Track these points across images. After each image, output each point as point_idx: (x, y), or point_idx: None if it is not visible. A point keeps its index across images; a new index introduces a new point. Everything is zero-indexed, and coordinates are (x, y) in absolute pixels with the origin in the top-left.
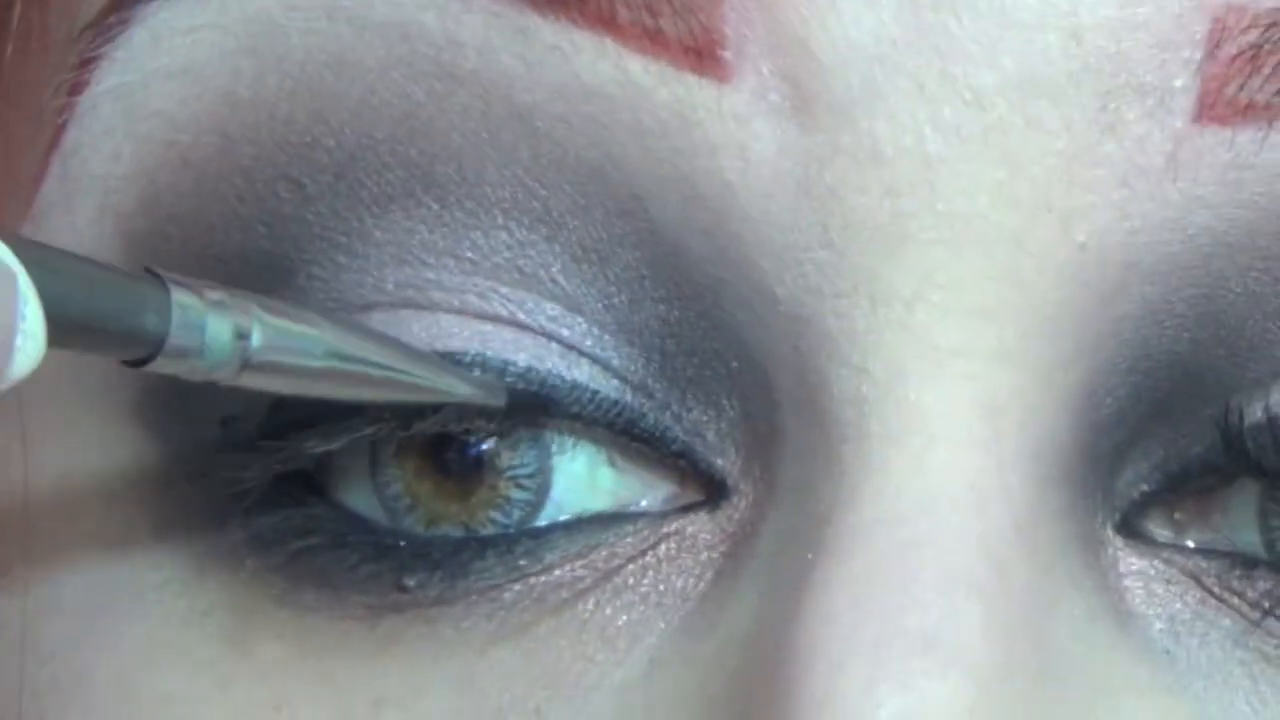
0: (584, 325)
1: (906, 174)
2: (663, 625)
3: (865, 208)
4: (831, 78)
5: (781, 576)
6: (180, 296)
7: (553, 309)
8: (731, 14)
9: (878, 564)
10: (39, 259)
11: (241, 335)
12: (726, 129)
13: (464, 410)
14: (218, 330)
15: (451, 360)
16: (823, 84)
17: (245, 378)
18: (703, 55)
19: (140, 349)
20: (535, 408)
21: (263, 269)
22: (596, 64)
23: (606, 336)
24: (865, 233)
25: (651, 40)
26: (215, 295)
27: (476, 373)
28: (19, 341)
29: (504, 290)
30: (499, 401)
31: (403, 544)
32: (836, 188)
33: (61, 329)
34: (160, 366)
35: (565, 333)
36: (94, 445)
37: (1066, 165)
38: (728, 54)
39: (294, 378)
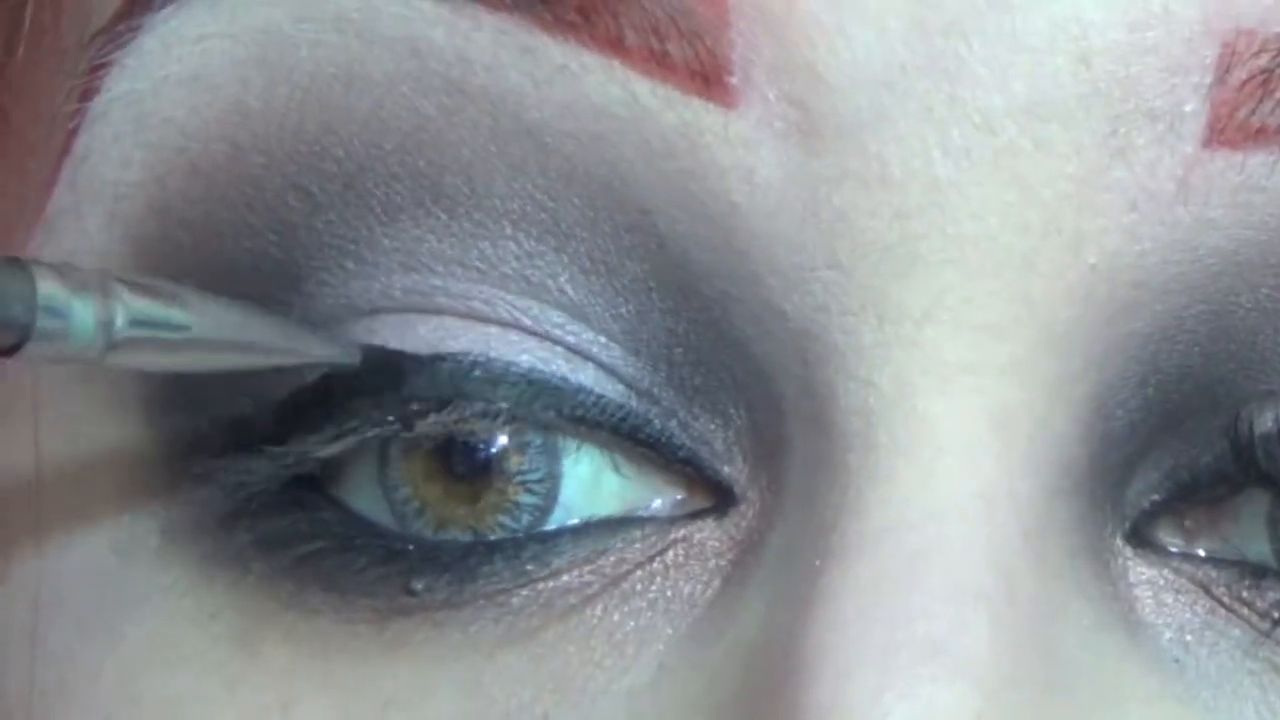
0: (590, 334)
1: (916, 197)
2: (670, 631)
3: (874, 230)
4: (840, 102)
5: (789, 584)
6: (44, 284)
7: (559, 317)
8: (738, 39)
9: (885, 572)
10: None
11: (106, 316)
12: (733, 153)
13: (463, 411)
14: (82, 314)
15: (455, 360)
16: (831, 108)
17: (112, 357)
18: (709, 80)
19: (7, 338)
20: (540, 407)
21: (272, 275)
22: (604, 85)
23: (613, 345)
24: (874, 255)
25: (658, 64)
26: (77, 278)
27: (477, 373)
28: None
29: (510, 298)
30: (353, 361)
31: (411, 548)
32: (845, 211)
33: None
34: (29, 354)
35: (571, 339)
36: (103, 446)
37: (1076, 189)
38: (734, 79)
39: (159, 353)
